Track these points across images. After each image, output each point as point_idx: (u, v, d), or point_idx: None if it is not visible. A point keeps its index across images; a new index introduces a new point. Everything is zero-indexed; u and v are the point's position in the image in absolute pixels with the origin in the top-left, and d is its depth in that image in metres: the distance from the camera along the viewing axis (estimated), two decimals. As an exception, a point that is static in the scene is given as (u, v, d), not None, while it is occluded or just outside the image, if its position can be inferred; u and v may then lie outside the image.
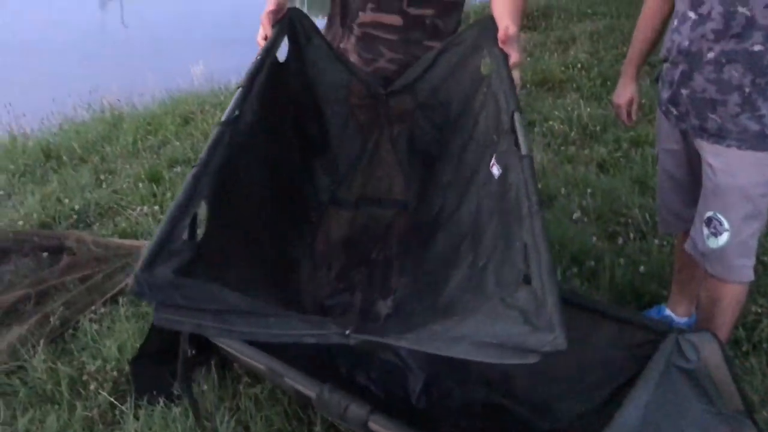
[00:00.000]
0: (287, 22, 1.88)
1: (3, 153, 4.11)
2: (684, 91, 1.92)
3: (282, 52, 1.92)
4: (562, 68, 5.32)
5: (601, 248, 2.81)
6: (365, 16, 1.98)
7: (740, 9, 1.75)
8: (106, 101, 5.20)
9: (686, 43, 1.87)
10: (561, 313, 1.06)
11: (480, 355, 1.07)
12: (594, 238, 2.88)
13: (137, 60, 8.81)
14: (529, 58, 5.66)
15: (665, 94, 2.01)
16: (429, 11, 1.97)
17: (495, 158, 1.58)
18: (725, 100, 1.84)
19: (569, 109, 4.40)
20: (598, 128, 4.13)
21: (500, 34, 1.73)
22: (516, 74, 1.74)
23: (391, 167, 2.12)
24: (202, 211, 1.37)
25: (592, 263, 2.70)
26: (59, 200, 3.40)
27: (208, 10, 13.21)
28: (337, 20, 2.09)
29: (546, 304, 1.08)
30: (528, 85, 4.98)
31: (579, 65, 5.31)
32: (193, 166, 1.38)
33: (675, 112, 1.99)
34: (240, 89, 1.63)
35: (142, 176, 3.59)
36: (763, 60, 1.76)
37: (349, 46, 2.05)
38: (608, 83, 4.86)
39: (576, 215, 3.07)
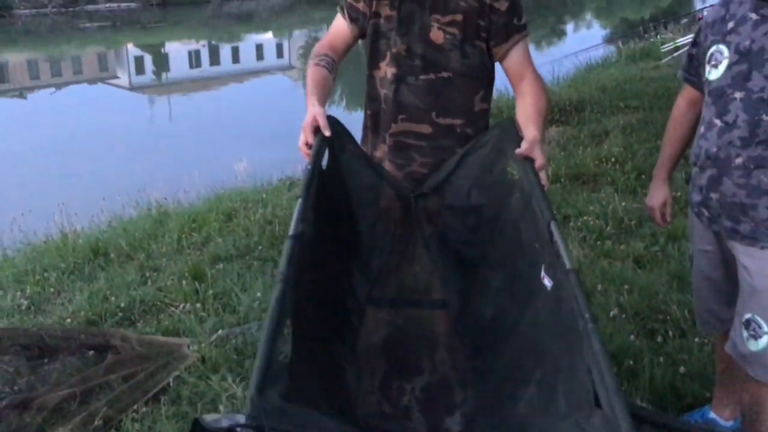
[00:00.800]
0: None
1: (54, 251, 4.29)
2: (714, 195, 1.96)
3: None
4: (596, 162, 5.39)
5: (640, 346, 2.78)
6: (397, 127, 2.10)
7: (765, 117, 1.81)
8: (152, 198, 5.43)
9: (714, 149, 1.93)
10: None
11: None
12: (632, 336, 2.85)
13: (183, 156, 9.23)
14: (562, 153, 5.76)
15: (696, 198, 2.05)
16: (458, 121, 2.08)
17: (544, 270, 1.63)
18: (755, 204, 1.87)
19: (604, 203, 4.44)
20: (633, 222, 4.15)
21: (524, 143, 1.82)
22: (542, 176, 1.82)
23: (426, 268, 2.16)
24: None
25: (631, 362, 2.66)
26: (106, 298, 3.52)
27: (250, 108, 13.86)
28: (369, 131, 2.20)
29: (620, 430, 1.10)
30: (562, 179, 5.05)
31: (613, 159, 5.38)
32: (277, 281, 1.41)
33: (707, 215, 2.02)
34: (300, 200, 1.71)
35: (186, 273, 3.71)
36: None
37: (382, 154, 2.15)
38: (642, 177, 4.90)
39: (613, 312, 3.06)
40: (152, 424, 2.44)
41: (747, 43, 1.85)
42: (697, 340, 2.84)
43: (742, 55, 1.86)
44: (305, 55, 24.02)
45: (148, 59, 22.81)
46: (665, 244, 3.84)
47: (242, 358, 2.86)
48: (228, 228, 4.51)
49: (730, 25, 1.91)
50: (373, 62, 2.12)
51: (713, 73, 1.93)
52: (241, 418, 1.30)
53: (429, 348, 1.95)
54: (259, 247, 4.05)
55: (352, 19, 2.11)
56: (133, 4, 30.44)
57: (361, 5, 2.08)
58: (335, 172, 2.02)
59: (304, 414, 1.21)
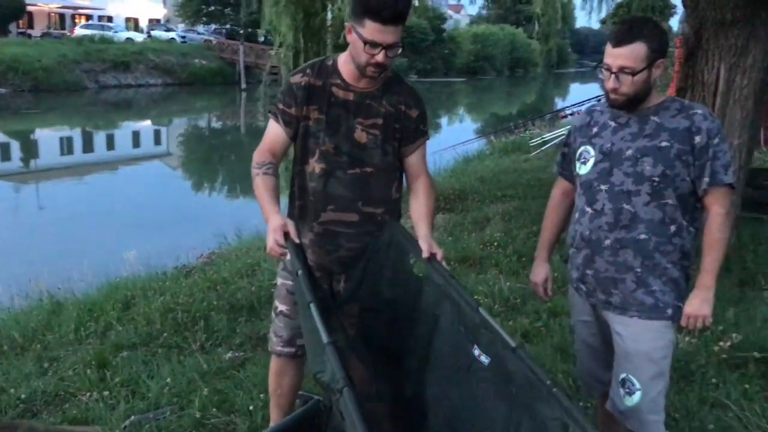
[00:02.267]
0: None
1: (-60, 345, 4.10)
2: (589, 272, 2.32)
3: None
4: (481, 246, 5.83)
5: (533, 412, 3.06)
6: (326, 216, 2.35)
7: (625, 206, 2.21)
8: (43, 289, 5.29)
9: (587, 232, 2.30)
10: None
11: None
12: (526, 403, 3.13)
13: (68, 246, 8.95)
14: (450, 238, 6.18)
15: (574, 274, 2.40)
16: (380, 209, 2.37)
17: (478, 348, 1.88)
18: (624, 278, 2.24)
19: (491, 283, 4.82)
20: (518, 301, 4.54)
21: (424, 245, 2.18)
22: (444, 264, 2.16)
23: (356, 367, 2.35)
24: None
25: (526, 427, 2.93)
26: (3, 390, 3.41)
27: (128, 195, 13.62)
28: (295, 221, 2.41)
29: None
30: (452, 262, 5.41)
31: (495, 243, 5.84)
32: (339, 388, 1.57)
33: (584, 289, 2.37)
34: (313, 305, 1.87)
35: (89, 362, 3.66)
36: (648, 246, 2.19)
37: (308, 241, 2.38)
38: (523, 259, 5.36)
39: (507, 382, 3.34)
40: None
41: (608, 145, 2.27)
42: (581, 404, 3.16)
43: (605, 155, 2.27)
44: (185, 142, 24.00)
45: (14, 145, 21.88)
46: (548, 320, 4.22)
47: (157, 443, 2.88)
48: (128, 316, 4.48)
49: (595, 129, 2.33)
50: (303, 158, 2.38)
51: (583, 169, 2.33)
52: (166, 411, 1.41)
53: None
54: (164, 334, 4.06)
55: (286, 123, 2.37)
56: (2, 90, 29.29)
57: (293, 110, 2.35)
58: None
59: None
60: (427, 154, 2.50)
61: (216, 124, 29.43)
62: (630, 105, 2.22)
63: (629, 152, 2.21)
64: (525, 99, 43.88)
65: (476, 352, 1.88)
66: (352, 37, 2.21)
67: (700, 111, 2.19)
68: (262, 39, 35.35)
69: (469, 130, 24.18)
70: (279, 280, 2.57)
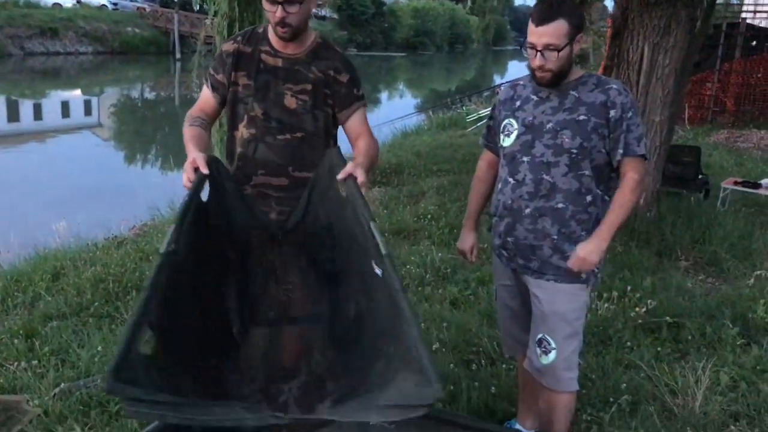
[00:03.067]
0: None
1: None
2: (510, 239, 2.44)
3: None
4: (415, 219, 5.95)
5: (458, 374, 3.20)
6: (257, 179, 2.40)
7: (545, 177, 2.33)
8: (-34, 260, 5.15)
9: (509, 201, 2.41)
10: (435, 370, 1.42)
11: (386, 417, 1.41)
12: (451, 365, 3.27)
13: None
14: (385, 210, 6.27)
15: (497, 242, 2.51)
16: (311, 174, 2.40)
17: (374, 263, 1.98)
18: (541, 245, 2.37)
19: (423, 254, 4.94)
20: (449, 271, 4.67)
21: (348, 167, 2.20)
22: (363, 190, 2.19)
23: (300, 290, 2.42)
24: None
25: (451, 387, 3.07)
26: (-75, 361, 3.34)
27: (57, 167, 13.22)
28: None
29: (423, 366, 1.43)
30: (386, 234, 5.51)
31: (429, 216, 5.97)
32: (144, 288, 1.60)
33: (506, 255, 2.49)
34: (174, 225, 1.90)
35: (17, 331, 3.62)
36: (565, 214, 2.32)
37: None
38: (455, 231, 5.49)
39: (435, 346, 3.47)
40: (-1, 478, 2.42)
41: (530, 118, 2.37)
42: (504, 366, 3.32)
43: (527, 127, 2.37)
44: (117, 113, 23.32)
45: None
46: (476, 288, 4.38)
47: (87, 409, 2.89)
48: (57, 287, 4.42)
49: (518, 103, 2.43)
50: (233, 124, 2.43)
51: (506, 141, 2.43)
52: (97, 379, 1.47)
53: (306, 356, 2.20)
54: (95, 304, 4.03)
55: (214, 89, 2.43)
56: None
57: (220, 77, 2.41)
58: (216, 206, 2.25)
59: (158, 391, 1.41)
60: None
61: (149, 95, 28.65)
62: (555, 81, 2.31)
63: (549, 125, 2.32)
64: (464, 75, 44.20)
65: (374, 265, 1.98)
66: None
67: (615, 86, 2.30)
68: (197, 7, 34.52)
69: (408, 106, 24.24)
70: None
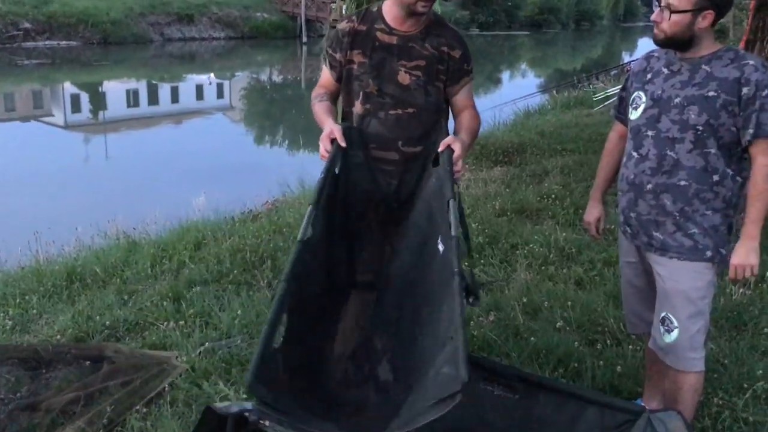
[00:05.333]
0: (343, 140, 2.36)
1: (31, 277, 4.46)
2: (632, 214, 2.42)
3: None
4: (538, 198, 5.89)
5: (583, 352, 3.20)
6: (368, 153, 2.50)
7: (669, 153, 2.29)
8: (120, 229, 5.64)
9: (632, 176, 2.39)
10: (464, 359, 1.51)
11: (432, 415, 1.53)
12: (576, 344, 3.26)
13: (140, 192, 9.39)
14: (507, 189, 6.25)
15: (621, 217, 2.50)
16: (419, 149, 2.50)
17: (441, 238, 2.06)
18: (664, 221, 2.33)
19: (547, 234, 4.90)
20: (573, 251, 4.62)
21: (449, 139, 2.33)
22: (459, 164, 2.31)
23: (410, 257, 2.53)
24: None
25: (576, 365, 3.07)
26: (89, 317, 3.72)
27: (193, 146, 14.05)
28: None
29: (457, 347, 1.53)
30: (508, 213, 5.51)
31: (553, 196, 5.89)
32: (279, 281, 1.77)
33: (629, 231, 2.46)
34: (310, 207, 2.07)
35: (165, 294, 3.95)
36: (687, 192, 2.27)
37: None
38: (580, 211, 5.38)
39: (559, 324, 3.47)
40: (155, 421, 2.69)
41: (659, 92, 2.32)
42: (630, 347, 3.27)
43: (655, 101, 2.33)
44: (247, 96, 24.37)
45: (84, 97, 22.62)
46: (602, 269, 4.30)
47: (229, 367, 3.13)
48: (199, 255, 4.75)
49: (649, 76, 2.39)
50: (349, 101, 2.55)
51: (633, 114, 2.40)
52: (248, 405, 1.65)
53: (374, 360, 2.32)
54: (234, 272, 4.32)
55: (332, 67, 2.57)
56: (73, 43, 30.15)
57: (338, 55, 2.53)
58: (344, 174, 2.39)
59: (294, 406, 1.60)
60: (487, 108, 2.63)
61: (277, 78, 29.71)
62: (668, 44, 2.26)
63: (677, 100, 2.26)
64: (590, 54, 42.60)
65: (439, 241, 2.05)
66: None
67: (752, 62, 2.19)
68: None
69: (531, 85, 23.79)
70: None
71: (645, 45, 43.95)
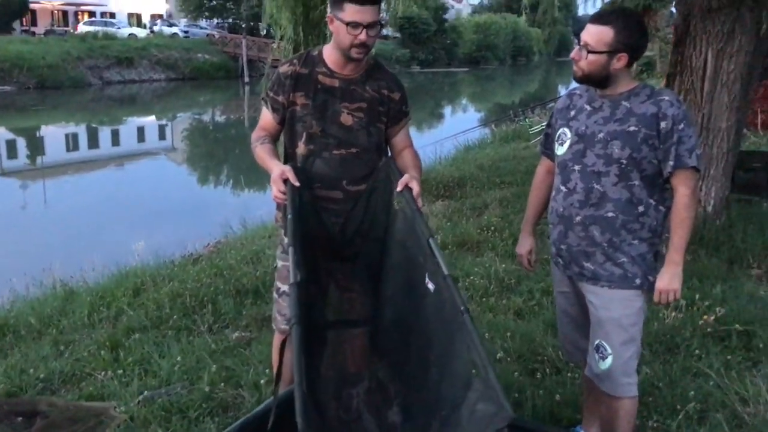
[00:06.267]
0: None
1: (-40, 331, 4.30)
2: (563, 246, 2.50)
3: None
4: (478, 230, 6.00)
5: (523, 382, 3.25)
6: (312, 192, 2.53)
7: (595, 186, 2.39)
8: (56, 276, 5.49)
9: (561, 209, 2.49)
10: (504, 395, 1.52)
11: None
12: (516, 374, 3.32)
13: (78, 239, 9.17)
14: (448, 223, 6.34)
15: (553, 249, 2.58)
16: (363, 187, 2.55)
17: (428, 276, 2.08)
18: (593, 252, 2.42)
19: (487, 265, 4.99)
20: (513, 281, 4.71)
21: (404, 178, 2.39)
22: (419, 201, 2.37)
23: (357, 293, 2.56)
24: None
25: (516, 395, 3.11)
26: (23, 370, 3.60)
27: (134, 190, 13.82)
28: None
29: (491, 384, 1.53)
30: (450, 246, 5.59)
31: (492, 228, 6.01)
32: (293, 325, 1.72)
33: (561, 262, 2.55)
34: (291, 249, 2.05)
35: (103, 343, 3.86)
36: (615, 223, 2.37)
37: None
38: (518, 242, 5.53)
39: (499, 355, 3.52)
40: (91, 477, 2.61)
41: (583, 128, 2.43)
42: (569, 374, 3.34)
43: (580, 137, 2.43)
44: (189, 137, 24.18)
45: (21, 143, 22.07)
46: (540, 299, 4.39)
47: (169, 415, 3.07)
48: (138, 302, 4.66)
49: (572, 113, 2.50)
50: (292, 142, 2.59)
51: (560, 150, 2.50)
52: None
53: (366, 359, 2.32)
54: (174, 317, 4.25)
55: (275, 110, 2.60)
56: (8, 88, 29.50)
57: (280, 98, 2.57)
58: (299, 215, 2.40)
59: None
60: (428, 144, 2.71)
61: (220, 118, 29.62)
62: (585, 81, 2.39)
63: (601, 135, 2.37)
64: (527, 87, 43.85)
65: (427, 279, 2.09)
66: (334, 26, 2.43)
67: (667, 97, 2.32)
68: (264, 32, 35.42)
69: (472, 120, 24.28)
70: (279, 263, 2.75)
71: (579, 78, 45.35)
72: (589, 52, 2.31)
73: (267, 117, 2.63)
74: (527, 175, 8.40)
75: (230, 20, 44.83)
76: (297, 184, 2.34)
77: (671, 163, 2.30)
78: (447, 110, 32.48)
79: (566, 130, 2.49)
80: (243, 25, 40.31)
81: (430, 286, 2.07)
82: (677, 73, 5.61)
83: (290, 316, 1.78)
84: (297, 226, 2.19)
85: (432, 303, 2.07)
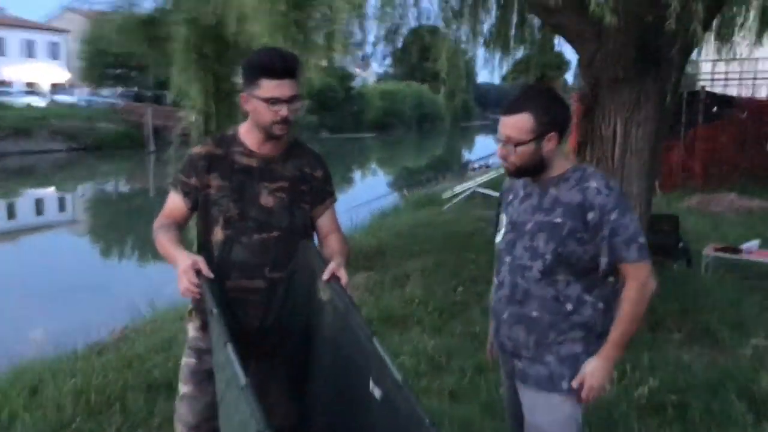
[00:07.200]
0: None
1: None
2: (497, 341, 2.34)
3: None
4: (402, 304, 5.84)
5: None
6: (231, 284, 2.31)
7: (520, 280, 2.20)
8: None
9: (492, 303, 2.33)
10: None
11: None
12: (458, 466, 3.12)
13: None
14: (371, 297, 6.16)
15: (495, 342, 2.41)
16: (285, 274, 2.35)
17: (372, 381, 1.88)
18: (520, 353, 2.24)
19: (415, 342, 4.81)
20: (443, 358, 4.55)
21: (330, 266, 2.21)
22: (349, 291, 2.20)
23: (277, 397, 2.33)
24: None
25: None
26: None
27: (32, 267, 12.95)
28: None
29: None
30: (374, 322, 5.39)
31: (417, 301, 5.87)
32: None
33: (500, 353, 2.39)
34: (229, 345, 1.83)
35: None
36: (540, 323, 2.17)
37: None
38: (444, 315, 5.43)
39: (438, 446, 3.32)
40: None
41: (515, 216, 2.26)
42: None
43: (512, 225, 2.27)
44: (92, 208, 23.18)
45: None
46: (473, 377, 4.25)
47: None
48: (36, 403, 4.19)
49: (510, 197, 2.35)
50: (207, 229, 2.36)
51: (497, 237, 2.35)
52: None
53: None
54: (77, 419, 3.82)
55: (185, 194, 2.37)
56: None
57: (192, 180, 2.35)
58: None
59: None
60: (343, 211, 2.55)
61: (124, 189, 28.64)
62: (521, 174, 2.21)
63: (529, 225, 2.19)
64: (434, 152, 44.90)
65: (371, 384, 1.89)
66: (251, 105, 2.28)
67: (594, 184, 2.10)
68: (169, 101, 34.79)
69: (381, 184, 24.51)
70: (183, 359, 2.49)
71: (482, 142, 47.15)
72: (515, 145, 2.11)
73: (175, 202, 2.40)
74: (445, 243, 8.42)
75: (134, 89, 43.94)
76: (211, 275, 2.12)
77: (605, 259, 2.09)
78: (357, 175, 32.66)
79: (504, 216, 2.35)
80: (148, 94, 39.59)
81: (376, 392, 1.87)
82: (588, 142, 5.76)
83: (256, 420, 1.55)
84: (227, 320, 1.97)
85: (380, 413, 1.87)
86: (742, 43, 7.33)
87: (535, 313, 2.17)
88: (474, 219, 10.22)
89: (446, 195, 13.20)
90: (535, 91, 2.23)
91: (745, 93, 14.43)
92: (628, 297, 2.10)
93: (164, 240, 2.28)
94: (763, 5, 5.82)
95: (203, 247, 2.39)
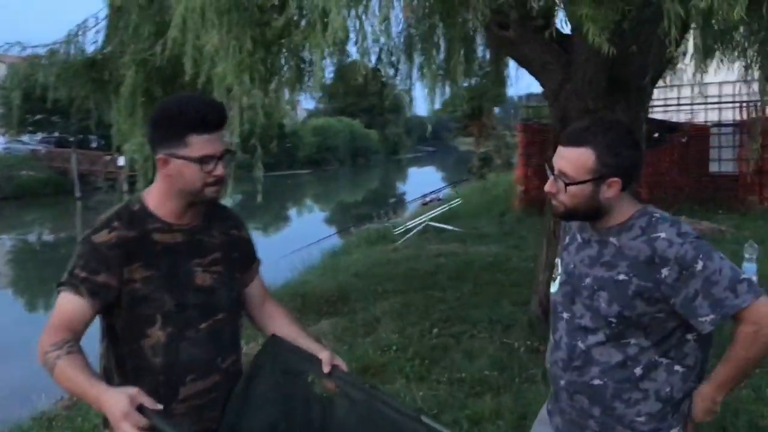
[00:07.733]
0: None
1: None
2: (555, 408, 2.02)
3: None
4: (379, 352, 5.52)
5: None
6: (186, 390, 1.91)
7: (580, 344, 1.85)
8: None
9: (548, 365, 2.01)
10: None
11: None
12: None
13: None
14: (343, 346, 5.83)
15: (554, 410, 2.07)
16: (234, 357, 2.02)
17: None
18: (586, 424, 1.90)
19: (402, 395, 4.50)
20: (435, 411, 4.26)
21: (323, 357, 1.96)
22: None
23: None
24: None
25: None
26: None
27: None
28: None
29: None
30: (353, 374, 5.06)
31: (394, 347, 5.56)
32: None
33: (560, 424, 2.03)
34: None
35: None
36: (604, 393, 1.83)
37: None
38: (426, 361, 5.14)
39: None
40: None
41: (572, 265, 1.93)
42: None
43: (568, 276, 1.93)
44: (14, 260, 21.93)
45: None
46: (470, 429, 3.98)
47: None
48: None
49: (567, 239, 2.00)
50: (138, 333, 1.89)
51: (553, 286, 2.00)
52: None
53: None
54: None
55: (93, 294, 1.81)
56: None
57: (101, 278, 1.82)
58: None
59: None
60: (290, 253, 2.26)
61: (49, 237, 27.33)
62: (569, 217, 1.90)
63: (587, 280, 1.86)
64: (369, 186, 44.97)
65: None
66: (173, 167, 1.85)
67: (663, 234, 1.75)
68: (94, 144, 33.59)
69: (319, 220, 24.16)
70: None
71: (414, 173, 47.62)
72: (567, 184, 1.80)
73: (75, 307, 1.79)
74: (409, 282, 8.16)
75: (56, 134, 42.35)
76: (159, 406, 1.57)
77: (709, 318, 1.71)
78: (293, 212, 32.20)
79: (558, 261, 2.01)
80: (71, 139, 38.19)
81: None
82: (531, 155, 5.66)
83: None
84: None
85: None
86: (688, 70, 7.49)
87: (596, 381, 1.84)
88: (432, 255, 9.98)
89: (398, 231, 12.96)
90: (605, 124, 1.86)
91: (699, 119, 14.90)
92: (740, 341, 1.76)
93: (69, 369, 1.65)
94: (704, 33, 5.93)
95: (129, 357, 1.89)
